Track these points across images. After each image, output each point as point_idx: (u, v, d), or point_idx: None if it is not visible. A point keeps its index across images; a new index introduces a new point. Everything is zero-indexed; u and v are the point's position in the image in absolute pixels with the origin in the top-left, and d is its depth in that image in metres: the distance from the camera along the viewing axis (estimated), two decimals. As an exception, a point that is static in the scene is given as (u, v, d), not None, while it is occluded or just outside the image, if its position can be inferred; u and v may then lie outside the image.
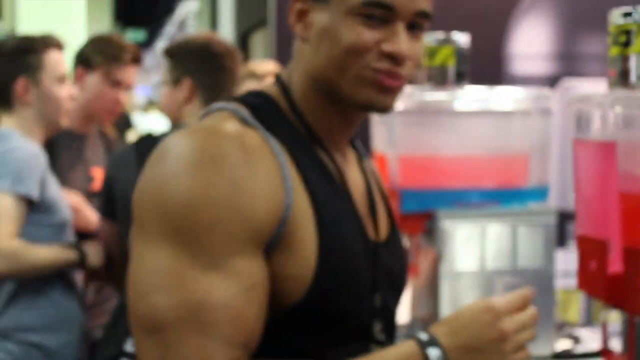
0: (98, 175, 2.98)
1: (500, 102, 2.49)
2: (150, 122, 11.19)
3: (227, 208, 1.07)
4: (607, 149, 1.52)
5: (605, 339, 1.70)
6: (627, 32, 1.49)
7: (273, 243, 1.11)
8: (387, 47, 1.18)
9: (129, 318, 1.10)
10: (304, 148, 1.19)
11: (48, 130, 2.61)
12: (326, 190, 1.18)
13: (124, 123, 4.77)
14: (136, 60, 3.03)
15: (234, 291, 1.06)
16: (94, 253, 2.62)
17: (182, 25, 21.39)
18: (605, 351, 1.69)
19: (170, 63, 2.69)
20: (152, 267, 1.06)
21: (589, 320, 2.91)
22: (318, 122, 1.24)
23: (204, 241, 1.06)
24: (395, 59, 1.18)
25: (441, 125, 2.33)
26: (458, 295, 2.37)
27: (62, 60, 2.61)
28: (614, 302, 1.56)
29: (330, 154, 1.24)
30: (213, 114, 1.21)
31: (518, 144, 2.50)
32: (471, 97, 2.38)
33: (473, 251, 2.37)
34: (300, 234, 1.13)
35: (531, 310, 1.21)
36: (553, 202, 2.71)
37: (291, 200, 1.12)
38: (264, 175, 1.11)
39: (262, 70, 3.24)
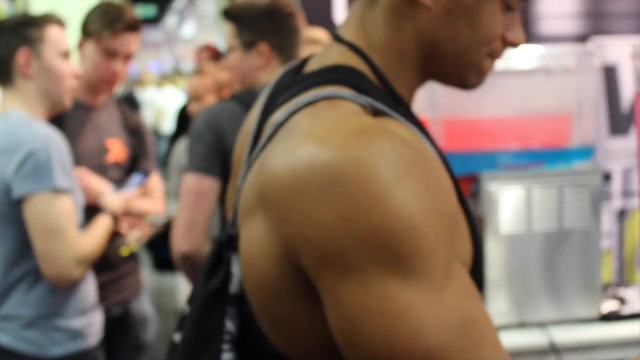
0: (114, 147, 2.95)
1: (541, 61, 2.47)
2: (165, 97, 11.11)
3: (441, 216, 0.95)
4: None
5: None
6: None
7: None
8: (512, 37, 1.13)
9: None
10: (415, 124, 1.09)
11: (52, 108, 2.55)
12: (444, 159, 1.10)
13: (128, 102, 4.72)
14: (134, 28, 2.90)
15: (471, 294, 0.98)
16: (111, 202, 2.68)
17: (192, 0, 21.39)
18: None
19: (237, 27, 2.59)
20: (394, 308, 0.92)
21: (622, 281, 2.90)
22: (401, 88, 1.14)
23: (435, 261, 0.93)
24: (514, 46, 1.14)
25: (482, 87, 2.31)
26: (505, 259, 2.37)
27: (64, 37, 2.55)
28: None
29: (421, 122, 1.15)
30: (327, 104, 1.03)
31: (561, 103, 2.48)
32: (512, 56, 2.35)
33: (519, 214, 2.35)
34: (459, 215, 1.05)
35: None
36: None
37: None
38: (439, 167, 1.00)
39: (324, 37, 3.13)
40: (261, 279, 1.03)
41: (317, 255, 0.94)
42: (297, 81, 1.13)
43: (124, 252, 2.80)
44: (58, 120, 2.64)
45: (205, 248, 2.47)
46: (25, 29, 2.50)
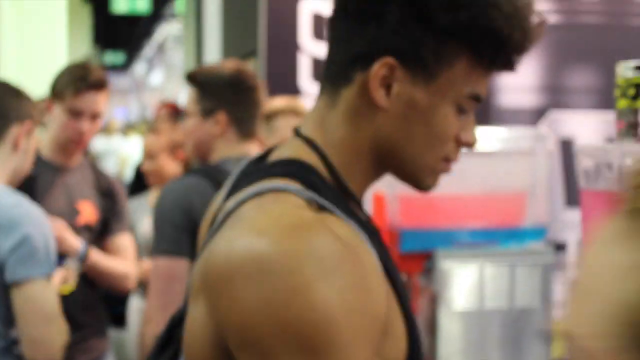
0: (85, 208, 2.92)
1: (498, 142, 2.51)
2: (130, 146, 11.04)
3: (362, 316, 0.97)
4: (616, 200, 1.52)
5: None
6: (636, 86, 1.50)
7: (381, 336, 1.04)
8: (465, 138, 1.15)
9: None
10: (359, 222, 1.11)
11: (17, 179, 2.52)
12: (387, 259, 1.12)
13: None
14: (98, 86, 2.87)
15: None
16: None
17: (161, 48, 21.39)
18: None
19: (199, 92, 2.53)
20: None
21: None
22: (354, 183, 1.16)
23: (347, 355, 0.96)
24: (467, 147, 1.16)
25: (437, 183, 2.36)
26: (458, 334, 2.38)
27: None
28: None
29: (368, 220, 1.19)
30: (279, 196, 1.07)
31: (516, 183, 2.51)
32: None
33: (471, 291, 2.37)
34: (393, 317, 1.07)
35: None
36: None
37: (387, 289, 1.06)
38: (371, 269, 1.03)
39: (300, 107, 3.08)
40: (195, 358, 1.07)
41: (239, 339, 0.98)
42: (255, 170, 1.17)
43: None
44: (28, 180, 2.60)
45: None
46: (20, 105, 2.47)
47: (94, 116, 2.88)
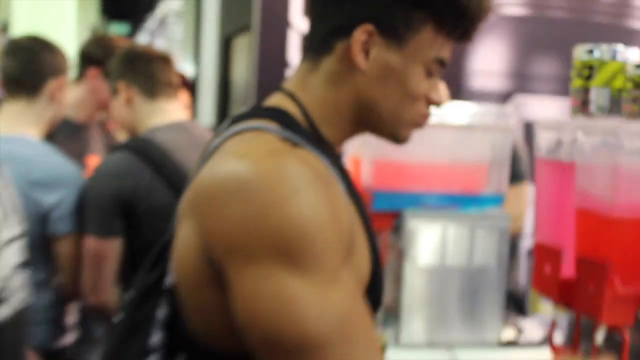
0: (93, 162, 2.91)
1: (464, 117, 2.53)
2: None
3: (331, 227, 1.02)
4: (567, 169, 1.55)
5: (551, 330, 1.74)
6: (590, 67, 1.52)
7: (348, 252, 1.07)
8: (435, 96, 1.21)
9: (246, 343, 1.03)
10: (330, 160, 1.15)
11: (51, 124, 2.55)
12: (356, 197, 1.17)
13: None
14: None
15: (354, 298, 1.04)
16: None
17: (162, 22, 21.18)
18: (552, 345, 1.73)
19: (108, 79, 2.61)
20: (282, 296, 0.99)
21: (529, 311, 2.99)
22: (332, 135, 1.20)
23: (321, 261, 1.00)
24: (437, 105, 1.22)
25: (413, 136, 2.36)
26: (421, 287, 2.41)
27: None
28: (563, 302, 1.59)
29: (340, 161, 1.23)
30: (252, 133, 1.12)
31: (479, 155, 2.54)
32: (441, 112, 2.41)
33: (434, 249, 2.40)
34: (358, 242, 1.11)
35: None
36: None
37: (351, 210, 1.10)
38: (337, 193, 1.07)
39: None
40: (185, 273, 1.11)
41: (224, 246, 1.03)
42: (239, 116, 1.21)
43: None
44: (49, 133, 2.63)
45: (112, 298, 2.42)
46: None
47: None
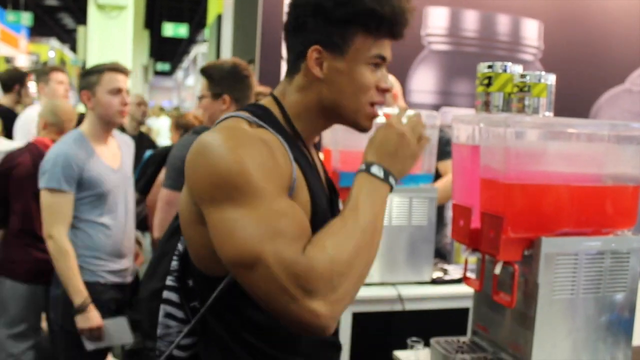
0: None
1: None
2: (159, 123, 10.91)
3: (269, 166, 1.02)
4: (474, 150, 1.55)
5: (465, 270, 1.73)
6: (489, 77, 1.52)
7: (290, 191, 1.06)
8: (383, 84, 1.15)
9: (219, 259, 1.02)
10: (293, 143, 1.14)
11: (107, 126, 2.45)
12: (308, 169, 1.14)
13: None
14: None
15: (289, 207, 1.02)
16: None
17: (194, 61, 21.14)
18: (465, 278, 1.72)
19: (209, 81, 2.44)
20: (233, 225, 0.98)
21: (452, 261, 2.99)
22: (303, 128, 1.18)
23: (262, 192, 0.99)
24: (387, 92, 1.17)
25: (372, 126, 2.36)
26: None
27: (117, 79, 2.43)
28: (473, 246, 1.58)
29: (308, 148, 1.20)
30: (231, 118, 1.12)
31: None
32: (387, 114, 2.40)
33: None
34: (300, 194, 1.08)
35: (416, 116, 1.18)
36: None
37: (295, 172, 1.07)
38: (281, 153, 1.06)
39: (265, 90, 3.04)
40: (183, 217, 1.13)
41: (197, 194, 1.04)
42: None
43: None
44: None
45: None
46: (87, 77, 2.42)
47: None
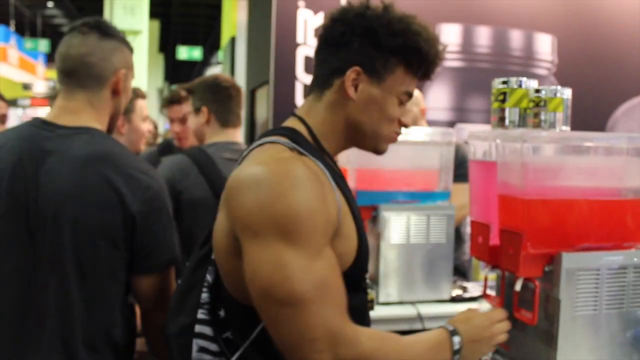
0: None
1: (422, 136, 2.53)
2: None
3: (320, 215, 1.02)
4: (491, 167, 1.54)
5: (485, 287, 1.72)
6: (504, 93, 1.52)
7: (335, 234, 1.07)
8: (405, 120, 1.20)
9: (251, 297, 1.02)
10: (328, 165, 1.14)
11: (136, 152, 2.45)
12: (347, 192, 1.15)
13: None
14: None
15: (332, 270, 1.02)
16: None
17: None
18: (486, 295, 1.71)
19: (192, 97, 2.37)
20: (278, 261, 0.98)
21: (471, 279, 2.96)
22: (329, 147, 1.19)
23: (310, 240, 1.00)
24: (406, 127, 1.22)
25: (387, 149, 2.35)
26: (392, 259, 2.40)
27: (145, 106, 2.46)
28: (493, 263, 1.57)
29: (337, 166, 1.21)
30: (271, 145, 1.12)
31: (432, 163, 2.53)
32: (405, 132, 2.40)
33: (402, 231, 2.39)
34: (346, 225, 1.09)
35: (505, 324, 1.29)
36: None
37: (340, 205, 1.09)
38: (328, 190, 1.06)
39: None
40: (219, 247, 1.11)
41: (241, 225, 1.03)
42: (263, 134, 1.22)
43: None
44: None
45: None
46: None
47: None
